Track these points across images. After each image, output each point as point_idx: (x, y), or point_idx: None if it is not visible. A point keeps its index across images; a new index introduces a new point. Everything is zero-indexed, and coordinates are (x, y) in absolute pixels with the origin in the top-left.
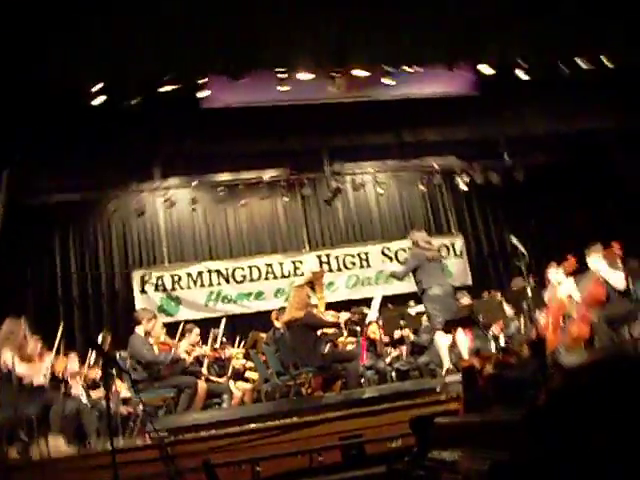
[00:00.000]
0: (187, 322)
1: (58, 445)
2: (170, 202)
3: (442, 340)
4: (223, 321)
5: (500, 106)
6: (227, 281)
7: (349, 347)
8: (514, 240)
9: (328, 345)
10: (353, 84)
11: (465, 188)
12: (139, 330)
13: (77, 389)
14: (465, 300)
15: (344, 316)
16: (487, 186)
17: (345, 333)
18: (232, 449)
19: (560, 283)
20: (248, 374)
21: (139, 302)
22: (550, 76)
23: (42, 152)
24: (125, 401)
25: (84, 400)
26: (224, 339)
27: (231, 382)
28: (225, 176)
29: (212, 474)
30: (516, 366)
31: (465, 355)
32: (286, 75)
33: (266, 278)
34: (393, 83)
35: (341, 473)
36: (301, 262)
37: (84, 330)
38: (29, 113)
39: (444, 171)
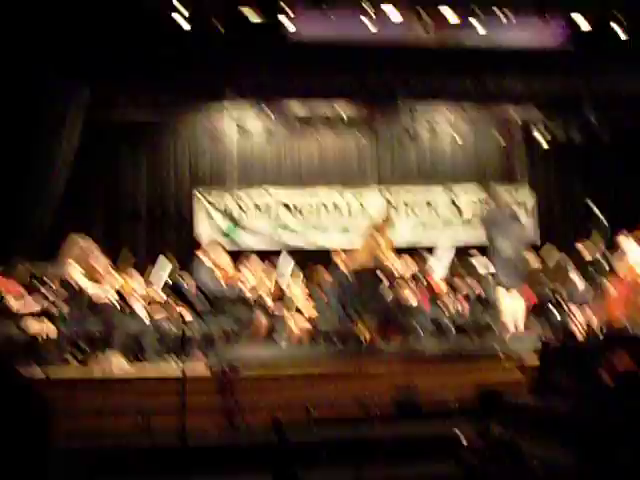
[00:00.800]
0: (251, 253)
1: (119, 363)
2: (243, 129)
3: (506, 301)
4: (288, 258)
5: (592, 62)
6: (292, 213)
7: (412, 298)
8: (593, 207)
9: (392, 295)
10: (441, 27)
11: (544, 143)
12: (206, 260)
13: (140, 309)
14: (533, 262)
15: (411, 267)
16: (568, 144)
17: (410, 284)
18: (289, 389)
19: (631, 252)
20: (308, 311)
21: (204, 226)
22: None
23: (122, 72)
24: (185, 323)
25: (146, 321)
26: (289, 277)
27: (290, 318)
28: (301, 108)
29: (281, 432)
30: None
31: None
32: (374, 12)
33: (332, 213)
34: (482, 28)
35: (394, 426)
36: (367, 201)
37: (150, 251)
38: (113, 32)
39: (524, 123)
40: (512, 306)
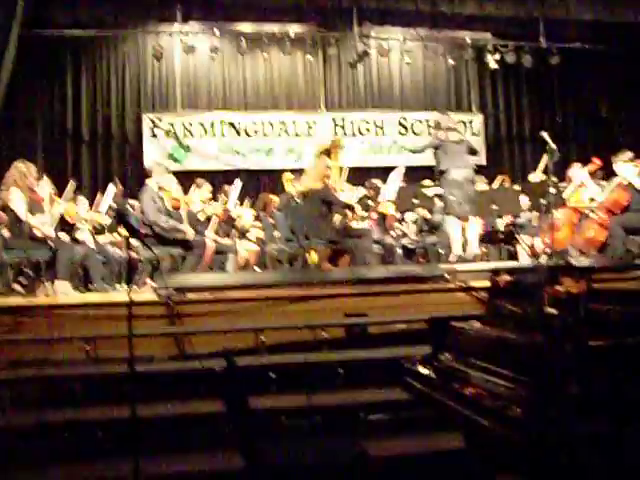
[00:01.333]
0: (198, 176)
1: (64, 289)
2: (189, 48)
3: (454, 225)
4: (238, 182)
5: None
6: (238, 134)
7: (360, 222)
8: (545, 135)
9: (340, 218)
10: None
11: (495, 66)
12: (151, 183)
13: (85, 234)
14: (481, 185)
15: (359, 192)
16: (517, 67)
17: (359, 208)
18: (237, 314)
19: (583, 184)
20: (255, 234)
21: (148, 147)
22: None
23: None
24: (130, 247)
25: (91, 246)
26: (237, 201)
27: (237, 241)
28: (249, 27)
29: (230, 357)
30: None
31: (475, 243)
32: None
33: (279, 135)
34: None
35: (344, 350)
36: (315, 122)
37: (93, 173)
38: None
39: (475, 47)
40: (461, 231)
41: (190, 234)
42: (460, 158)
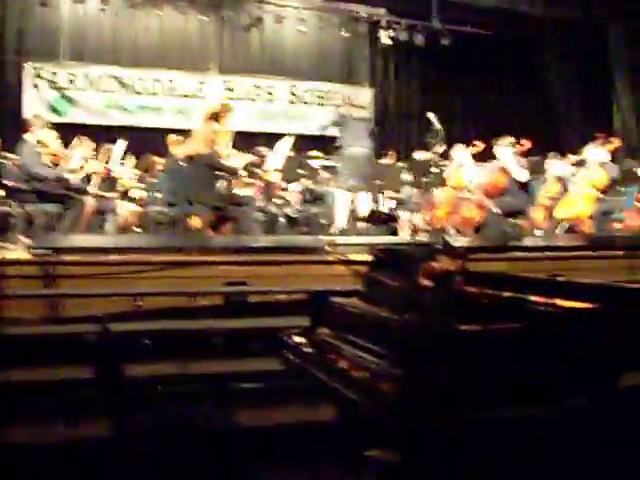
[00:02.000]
0: (82, 131)
1: None
2: None
3: (342, 198)
4: (121, 142)
5: None
6: (127, 90)
7: (244, 189)
8: (431, 117)
9: (224, 184)
10: None
11: (387, 42)
12: (29, 138)
13: None
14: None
15: (246, 158)
16: (409, 46)
17: (244, 175)
18: (114, 278)
19: (464, 164)
20: (136, 194)
21: (29, 97)
22: None
23: None
24: (5, 203)
25: None
26: (120, 160)
27: (118, 201)
28: None
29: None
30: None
31: (355, 217)
32: None
33: (168, 94)
34: None
35: (223, 319)
36: (205, 84)
37: None
38: None
39: (369, 21)
40: (348, 204)
41: (74, 183)
42: (359, 136)
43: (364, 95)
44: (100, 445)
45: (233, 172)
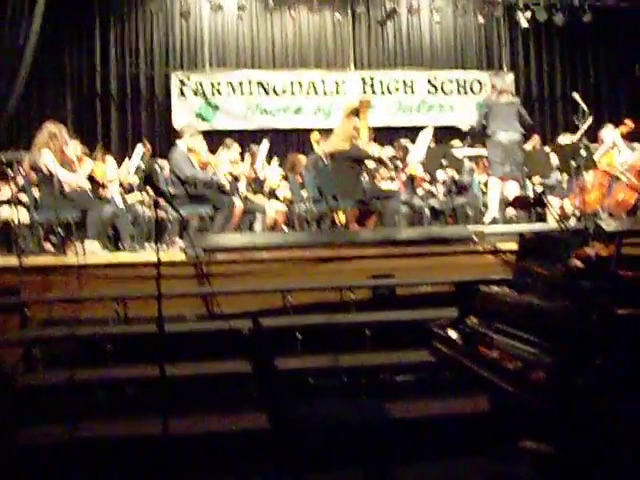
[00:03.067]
0: (227, 136)
1: (94, 249)
2: (216, 5)
3: (494, 186)
4: (265, 142)
5: None
6: (267, 93)
7: (388, 183)
8: (577, 96)
9: (367, 179)
10: None
11: (525, 24)
12: (181, 144)
13: (114, 194)
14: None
15: (387, 151)
16: (549, 25)
17: (386, 168)
18: (264, 275)
19: (615, 145)
20: (283, 194)
21: (177, 106)
22: None
23: None
24: (158, 205)
25: (120, 205)
26: (264, 161)
27: (266, 201)
28: None
29: (256, 317)
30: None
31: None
32: None
33: (307, 94)
34: None
35: (371, 312)
36: (344, 81)
37: (121, 133)
38: None
39: (506, 4)
40: (499, 192)
41: (227, 184)
42: (508, 121)
43: (505, 80)
44: (256, 437)
45: (380, 159)
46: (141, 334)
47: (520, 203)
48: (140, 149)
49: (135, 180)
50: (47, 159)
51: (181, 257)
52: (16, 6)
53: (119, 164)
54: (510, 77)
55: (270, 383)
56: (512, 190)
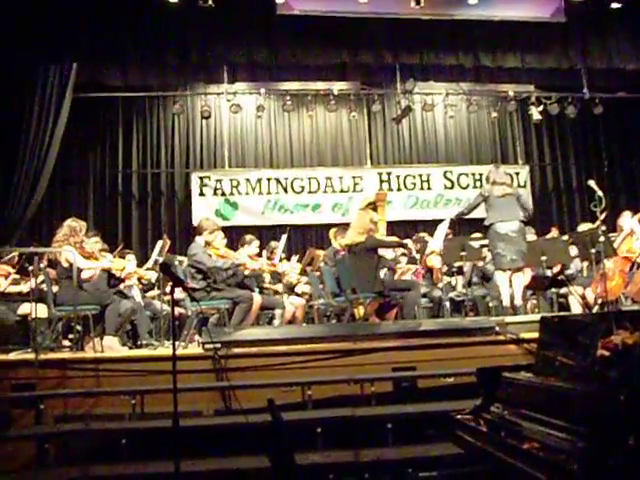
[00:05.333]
0: (246, 232)
1: (112, 345)
2: (236, 107)
3: (500, 278)
4: (284, 236)
5: (585, 36)
6: (285, 190)
7: (407, 275)
8: (592, 184)
9: (386, 271)
10: (436, 1)
11: (538, 117)
12: (200, 239)
13: (133, 290)
14: (530, 237)
15: (405, 241)
16: (561, 118)
17: (405, 259)
18: (283, 369)
19: (633, 232)
20: (301, 289)
21: (197, 205)
22: None
23: (112, 47)
24: (177, 302)
25: (138, 299)
26: (283, 254)
27: (285, 296)
28: (294, 85)
29: (275, 412)
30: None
31: (518, 294)
32: None
33: (325, 191)
34: (476, 2)
35: (393, 405)
36: (361, 178)
37: (142, 231)
38: (100, 10)
39: (518, 99)
40: (508, 283)
41: (250, 265)
42: (505, 211)
43: (521, 173)
44: None
45: (398, 245)
46: (156, 429)
47: (537, 282)
48: (160, 245)
49: (154, 276)
50: (67, 252)
51: (199, 351)
52: (42, 112)
53: (138, 261)
54: (525, 170)
55: (290, 479)
56: (520, 278)
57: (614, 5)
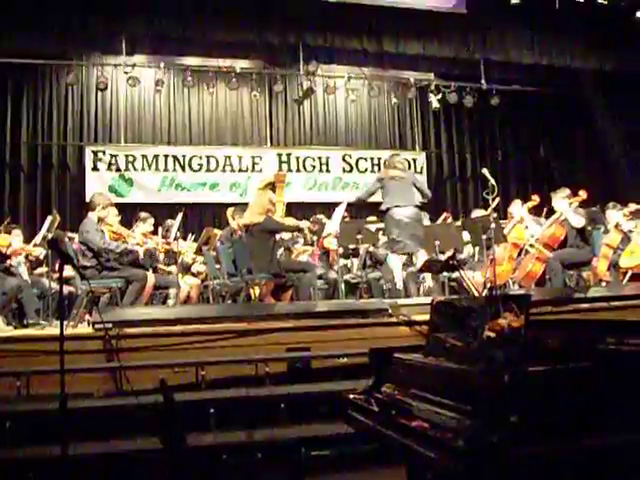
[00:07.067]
0: (141, 210)
1: None
2: (134, 80)
3: (394, 262)
4: (179, 215)
5: (485, 29)
6: (183, 168)
7: (304, 256)
8: (486, 172)
9: (283, 252)
10: None
11: (437, 105)
12: (92, 216)
13: (19, 267)
14: (424, 222)
15: (303, 224)
16: (459, 107)
17: (302, 240)
18: (177, 349)
19: (523, 219)
20: (197, 269)
21: (90, 180)
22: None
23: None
24: (66, 280)
25: (26, 277)
26: (178, 233)
27: (180, 276)
28: (195, 61)
29: (167, 393)
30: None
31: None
32: None
33: (223, 170)
34: None
35: (286, 385)
36: (261, 158)
37: (30, 205)
38: None
39: (419, 86)
40: (400, 266)
41: (141, 253)
42: (401, 197)
43: (418, 159)
44: None
45: (296, 229)
46: (43, 412)
47: (430, 267)
48: (49, 220)
49: (42, 252)
50: None
51: (89, 331)
52: None
53: (26, 237)
54: (422, 156)
55: (181, 460)
56: (422, 259)
57: (514, 0)
